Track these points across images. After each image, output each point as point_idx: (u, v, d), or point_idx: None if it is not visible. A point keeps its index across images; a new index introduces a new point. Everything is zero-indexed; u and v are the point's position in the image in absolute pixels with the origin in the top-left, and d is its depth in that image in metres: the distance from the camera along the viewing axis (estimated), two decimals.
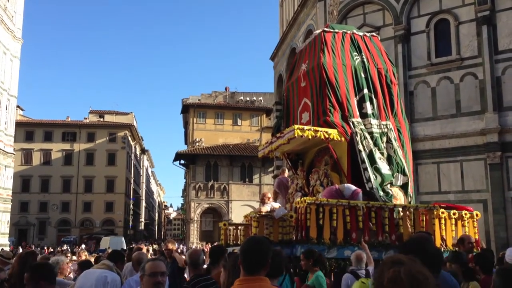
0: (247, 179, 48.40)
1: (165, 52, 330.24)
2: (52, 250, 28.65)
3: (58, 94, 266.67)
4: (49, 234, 57.26)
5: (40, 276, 3.69)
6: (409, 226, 7.61)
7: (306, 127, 8.27)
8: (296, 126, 8.21)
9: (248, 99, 55.93)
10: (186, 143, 56.45)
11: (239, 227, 9.59)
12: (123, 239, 18.11)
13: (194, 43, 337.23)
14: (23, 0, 49.81)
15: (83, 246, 25.84)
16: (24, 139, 57.75)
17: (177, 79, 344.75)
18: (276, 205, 8.39)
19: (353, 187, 7.85)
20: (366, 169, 8.39)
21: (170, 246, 6.78)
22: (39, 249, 35.15)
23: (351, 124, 8.65)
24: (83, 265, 6.84)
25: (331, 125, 8.53)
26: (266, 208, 8.17)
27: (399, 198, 8.53)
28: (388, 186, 8.54)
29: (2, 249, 17.06)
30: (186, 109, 52.38)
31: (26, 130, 58.50)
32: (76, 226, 58.36)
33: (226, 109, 52.95)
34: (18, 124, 54.92)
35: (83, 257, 8.23)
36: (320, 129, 8.29)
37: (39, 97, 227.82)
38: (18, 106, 55.24)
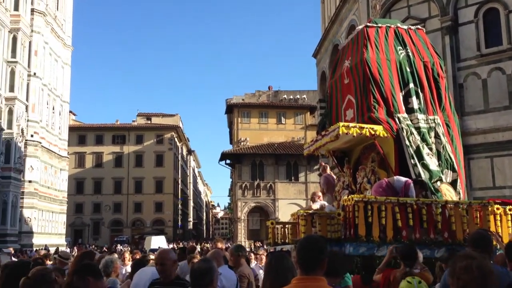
0: (292, 178, 48.36)
1: (208, 53, 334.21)
2: (105, 250, 29.69)
3: (107, 98, 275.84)
4: (103, 234, 59.34)
5: (86, 273, 3.86)
6: (463, 223, 7.40)
7: (351, 124, 8.20)
8: (341, 124, 8.16)
9: (291, 97, 55.85)
10: (231, 142, 57.05)
11: (287, 226, 9.60)
12: (164, 238, 18.98)
13: (237, 43, 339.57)
14: (72, 8, 51.62)
15: (126, 247, 26.56)
16: (77, 143, 60.07)
17: (220, 79, 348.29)
18: (324, 203, 8.39)
19: (404, 179, 7.70)
20: (415, 165, 8.23)
21: (220, 245, 6.91)
22: (92, 247, 36.35)
23: (396, 120, 8.50)
24: (137, 264, 7.12)
25: (376, 122, 8.42)
26: (316, 206, 8.19)
27: (448, 195, 8.28)
28: (438, 183, 8.31)
29: (57, 248, 17.75)
30: (230, 109, 52.92)
31: (79, 134, 60.85)
32: (128, 226, 60.18)
33: (270, 108, 53.08)
34: (71, 129, 57.16)
35: (127, 257, 8.48)
36: (365, 125, 8.20)
37: (90, 102, 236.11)
38: (70, 111, 57.49)
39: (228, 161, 50.04)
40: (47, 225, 44.28)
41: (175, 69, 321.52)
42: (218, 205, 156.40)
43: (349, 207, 7.28)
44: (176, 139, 65.95)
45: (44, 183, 43.63)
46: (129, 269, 7.32)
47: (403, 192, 7.47)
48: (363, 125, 8.22)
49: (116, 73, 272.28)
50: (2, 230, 35.04)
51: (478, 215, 7.68)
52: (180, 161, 70.75)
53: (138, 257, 8.34)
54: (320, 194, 8.88)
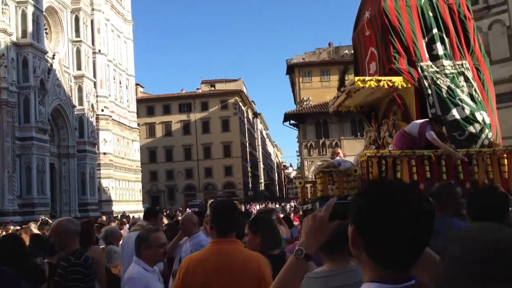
0: (358, 134, 47.42)
1: (267, 15, 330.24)
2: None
3: (172, 68, 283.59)
4: (178, 199, 62.05)
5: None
6: (485, 172, 7.03)
7: (367, 78, 7.95)
8: (356, 78, 7.94)
9: (353, 51, 54.16)
10: (295, 103, 56.76)
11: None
12: None
13: (295, 2, 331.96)
14: None
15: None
16: (146, 114, 62.52)
17: (280, 40, 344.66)
18: (344, 159, 8.31)
19: (420, 121, 7.29)
20: (447, 108, 7.79)
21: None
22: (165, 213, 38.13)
23: (418, 69, 8.10)
24: (170, 227, 7.57)
25: (397, 73, 8.07)
26: (332, 163, 8.14)
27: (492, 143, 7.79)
28: (490, 134, 7.74)
29: (96, 218, 18.34)
30: (291, 69, 52.45)
31: (147, 106, 63.24)
32: (201, 191, 62.44)
33: (331, 65, 51.92)
34: (140, 101, 59.44)
35: (165, 221, 8.90)
36: (383, 78, 7.89)
37: (156, 74, 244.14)
38: (138, 84, 59.60)
39: (292, 122, 49.96)
40: (125, 193, 47.06)
41: (235, 34, 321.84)
42: (291, 165, 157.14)
43: (364, 163, 7.17)
44: (240, 104, 66.65)
45: (118, 154, 46.14)
46: None
47: (420, 134, 7.09)
48: (380, 78, 7.94)
49: (178, 43, 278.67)
50: (83, 199, 37.75)
51: (506, 163, 7.25)
52: (246, 125, 71.63)
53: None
54: (339, 151, 8.77)
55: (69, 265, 3.63)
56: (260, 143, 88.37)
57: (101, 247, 7.27)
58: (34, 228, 8.21)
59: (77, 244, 3.93)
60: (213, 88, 67.72)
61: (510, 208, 4.04)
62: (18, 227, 10.52)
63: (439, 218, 3.70)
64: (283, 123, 50.03)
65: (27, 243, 7.74)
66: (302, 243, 1.66)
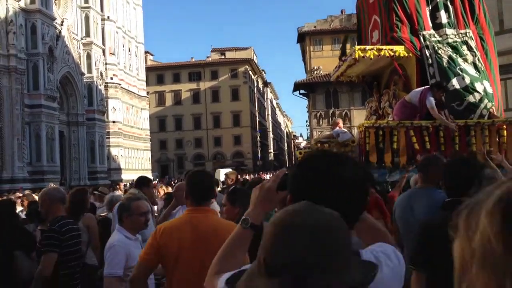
0: None
1: None
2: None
3: (182, 36, 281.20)
4: (187, 168, 62.32)
5: None
6: (483, 143, 6.94)
7: (368, 47, 7.79)
8: (357, 47, 7.79)
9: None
10: (306, 72, 56.20)
11: None
12: (231, 170, 19.83)
13: None
14: None
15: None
16: (156, 82, 62.37)
17: (292, 8, 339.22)
18: (343, 130, 8.24)
19: (420, 89, 7.13)
20: (447, 76, 7.66)
21: (232, 177, 7.10)
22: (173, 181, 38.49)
23: (421, 38, 7.91)
24: (168, 197, 7.64)
25: (399, 41, 7.89)
26: (331, 133, 8.09)
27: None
28: (488, 104, 7.64)
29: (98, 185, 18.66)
30: (302, 37, 51.68)
31: (157, 74, 63.03)
32: (210, 160, 62.73)
33: (343, 33, 50.80)
34: (150, 69, 59.17)
35: (161, 192, 8.98)
36: (384, 47, 7.73)
37: (166, 42, 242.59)
38: (147, 52, 59.17)
39: (302, 91, 49.57)
40: (134, 161, 47.51)
41: (246, 1, 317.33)
42: (301, 135, 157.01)
43: (361, 134, 7.11)
44: (250, 72, 66.13)
45: (127, 122, 46.36)
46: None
47: (421, 102, 6.96)
48: (381, 47, 7.77)
49: (188, 10, 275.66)
50: (92, 168, 38.19)
51: (505, 134, 7.14)
52: (256, 94, 71.25)
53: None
54: (339, 121, 8.68)
55: (45, 231, 3.65)
56: (270, 113, 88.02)
57: (102, 214, 7.37)
58: (35, 195, 8.34)
59: (62, 211, 3.99)
60: (223, 57, 67.17)
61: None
62: (21, 194, 10.71)
63: (422, 189, 3.70)
64: (293, 92, 49.73)
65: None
66: (248, 213, 1.66)
